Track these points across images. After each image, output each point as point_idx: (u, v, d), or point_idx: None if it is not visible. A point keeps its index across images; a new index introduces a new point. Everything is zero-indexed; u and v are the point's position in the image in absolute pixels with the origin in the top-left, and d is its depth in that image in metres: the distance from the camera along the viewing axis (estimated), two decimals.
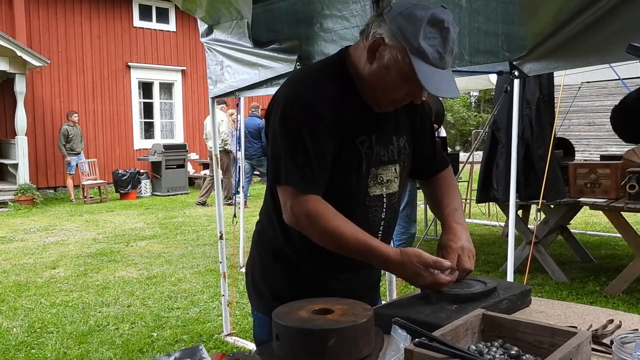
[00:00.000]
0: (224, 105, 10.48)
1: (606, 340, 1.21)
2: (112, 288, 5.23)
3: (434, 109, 5.03)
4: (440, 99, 5.80)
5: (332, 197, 1.42)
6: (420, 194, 5.86)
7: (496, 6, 2.45)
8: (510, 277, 2.78)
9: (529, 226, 5.75)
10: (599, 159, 6.04)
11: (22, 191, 10.90)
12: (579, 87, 9.22)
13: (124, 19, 14.06)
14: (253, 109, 10.54)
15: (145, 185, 12.65)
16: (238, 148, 7.32)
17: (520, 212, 5.88)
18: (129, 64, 14.11)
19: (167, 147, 12.86)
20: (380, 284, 1.82)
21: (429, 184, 1.72)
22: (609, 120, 4.09)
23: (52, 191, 12.87)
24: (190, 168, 13.98)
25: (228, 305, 3.95)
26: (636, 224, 6.02)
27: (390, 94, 1.43)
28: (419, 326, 1.05)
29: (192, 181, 14.07)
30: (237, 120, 6.65)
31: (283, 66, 3.23)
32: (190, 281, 5.45)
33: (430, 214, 7.50)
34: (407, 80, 1.37)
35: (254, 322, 1.67)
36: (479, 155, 6.99)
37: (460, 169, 5.17)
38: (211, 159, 9.83)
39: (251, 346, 3.51)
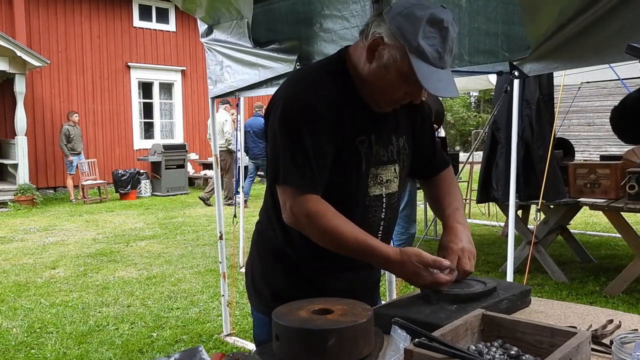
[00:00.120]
0: (228, 105, 10.46)
1: (606, 340, 1.21)
2: (111, 288, 5.23)
3: (433, 109, 5.03)
4: (440, 99, 5.80)
5: (332, 197, 1.42)
6: (420, 194, 5.86)
7: (496, 6, 2.45)
8: (510, 277, 2.78)
9: (528, 226, 5.75)
10: (598, 159, 6.04)
11: (22, 191, 10.90)
12: (579, 87, 9.22)
13: (124, 19, 14.06)
14: (257, 109, 10.52)
15: (145, 185, 12.65)
16: (238, 148, 7.33)
17: (520, 212, 5.89)
18: (128, 64, 14.12)
19: (167, 147, 12.87)
20: (380, 284, 1.82)
21: (429, 184, 1.72)
22: (608, 120, 4.09)
23: (51, 191, 12.87)
24: (190, 168, 13.98)
25: (228, 306, 3.95)
26: (636, 224, 6.02)
27: (390, 94, 1.43)
28: (419, 326, 1.05)
29: (192, 181, 14.07)
30: (237, 120, 6.65)
31: (283, 66, 3.23)
32: (190, 281, 5.45)
33: (430, 214, 7.50)
34: (406, 79, 1.37)
35: (254, 322, 1.67)
36: (479, 156, 6.99)
37: (460, 169, 5.16)
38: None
39: (251, 346, 3.51)
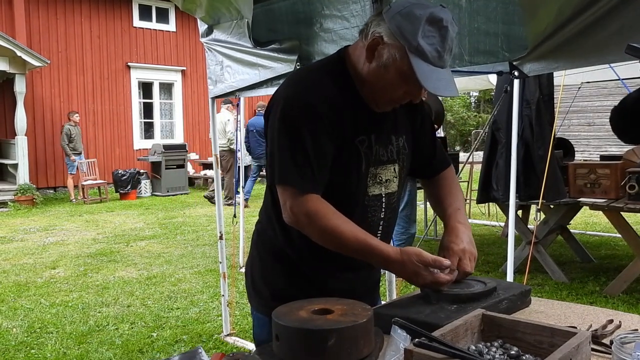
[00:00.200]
0: (230, 105, 10.44)
1: (606, 341, 1.20)
2: (112, 288, 5.23)
3: (433, 109, 5.03)
4: (440, 99, 5.80)
5: (332, 197, 1.42)
6: (420, 194, 5.86)
7: (496, 6, 2.44)
8: (510, 277, 2.78)
9: (528, 226, 5.75)
10: (598, 159, 6.04)
11: (22, 191, 10.90)
12: (579, 87, 9.22)
13: (124, 19, 14.06)
14: (260, 108, 10.50)
15: (145, 185, 12.65)
16: (238, 148, 7.33)
17: (520, 212, 5.88)
18: (128, 64, 14.12)
19: (167, 147, 12.87)
20: (380, 284, 1.82)
21: (430, 184, 1.72)
22: (608, 120, 4.09)
23: (51, 191, 12.87)
24: (190, 168, 13.99)
25: (228, 306, 3.95)
26: (636, 224, 6.02)
27: (389, 93, 1.43)
28: (419, 326, 1.05)
29: (192, 181, 14.07)
30: (237, 120, 6.65)
31: (283, 66, 3.23)
32: (190, 281, 5.45)
33: (430, 214, 7.50)
34: (406, 79, 1.37)
35: (254, 322, 1.67)
36: (479, 156, 7.00)
37: (460, 169, 5.16)
38: (220, 158, 9.84)
39: (251, 346, 3.51)
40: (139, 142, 14.41)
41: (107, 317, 4.43)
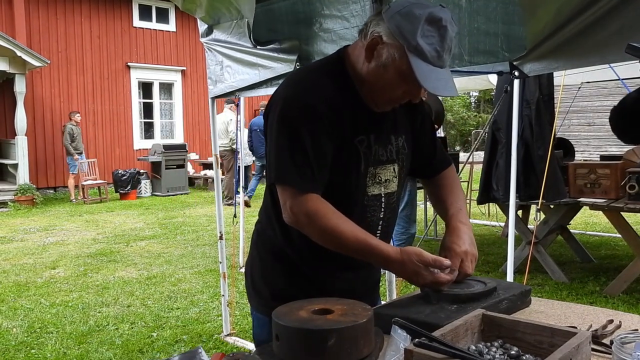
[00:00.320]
0: (233, 104, 10.41)
1: (606, 341, 1.20)
2: (112, 288, 5.23)
3: (433, 109, 5.03)
4: (440, 99, 5.80)
5: (331, 197, 1.42)
6: (420, 194, 5.86)
7: (496, 6, 2.44)
8: (510, 277, 2.78)
9: (528, 226, 5.75)
10: (598, 159, 6.04)
11: (22, 191, 10.90)
12: (579, 87, 9.22)
13: (124, 19, 14.06)
14: (263, 108, 10.49)
15: (145, 185, 12.65)
16: (238, 148, 7.31)
17: (520, 212, 5.88)
18: (128, 64, 14.11)
19: (167, 147, 12.86)
20: (380, 284, 1.82)
21: (431, 184, 1.72)
22: (608, 120, 4.09)
23: (52, 191, 12.87)
24: (190, 168, 13.99)
25: (228, 306, 3.95)
26: (636, 224, 6.02)
27: (388, 93, 1.43)
28: (419, 326, 1.05)
29: (192, 181, 14.07)
30: (237, 120, 6.66)
31: (283, 66, 3.23)
32: (190, 281, 5.45)
33: (430, 214, 7.50)
34: (405, 78, 1.36)
35: (254, 322, 1.67)
36: (479, 156, 7.00)
37: (460, 169, 5.16)
38: (222, 158, 9.81)
39: (251, 346, 3.51)
40: (139, 142, 14.41)
41: (107, 317, 4.43)
